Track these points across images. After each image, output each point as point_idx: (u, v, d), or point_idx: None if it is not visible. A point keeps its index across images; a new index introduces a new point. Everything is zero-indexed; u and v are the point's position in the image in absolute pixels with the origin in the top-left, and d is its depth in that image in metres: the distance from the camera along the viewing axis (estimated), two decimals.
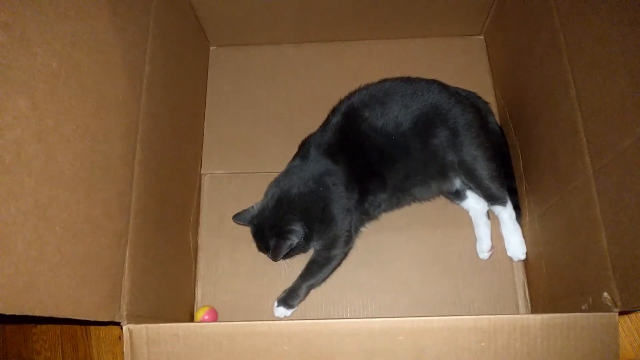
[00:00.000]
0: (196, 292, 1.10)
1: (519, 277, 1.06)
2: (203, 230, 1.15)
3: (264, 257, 1.05)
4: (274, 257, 0.98)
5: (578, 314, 0.68)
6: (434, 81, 1.03)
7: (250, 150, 1.21)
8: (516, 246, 1.03)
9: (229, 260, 1.12)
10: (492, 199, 1.02)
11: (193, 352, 0.70)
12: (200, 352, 0.70)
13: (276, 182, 1.02)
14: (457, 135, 0.96)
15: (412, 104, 0.97)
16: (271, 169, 1.09)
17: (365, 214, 1.03)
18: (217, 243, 1.13)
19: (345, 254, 1.04)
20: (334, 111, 1.04)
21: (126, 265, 0.78)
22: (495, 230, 1.07)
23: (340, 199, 0.97)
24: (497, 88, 1.21)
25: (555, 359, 0.68)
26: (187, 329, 0.71)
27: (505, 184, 1.02)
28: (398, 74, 1.04)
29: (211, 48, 1.32)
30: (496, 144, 1.05)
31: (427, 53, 1.27)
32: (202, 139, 1.23)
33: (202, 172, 1.20)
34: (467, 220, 1.10)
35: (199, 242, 1.14)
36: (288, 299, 1.01)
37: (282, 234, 0.95)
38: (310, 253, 1.05)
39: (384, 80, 1.03)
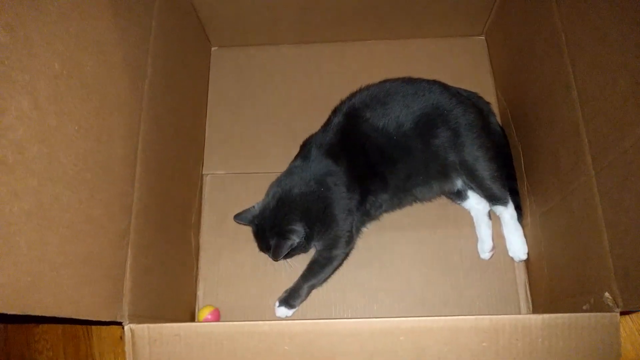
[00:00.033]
0: (197, 292, 1.10)
1: (520, 277, 1.06)
2: (204, 230, 1.15)
3: (265, 257, 1.05)
4: (275, 257, 0.98)
5: (579, 314, 0.68)
6: (435, 82, 1.03)
7: (251, 151, 1.22)
8: (517, 246, 1.03)
9: (230, 260, 1.12)
10: (493, 199, 1.02)
11: (194, 352, 0.70)
12: (201, 352, 0.70)
13: (277, 182, 1.02)
14: (458, 135, 0.97)
15: (413, 104, 0.98)
16: (272, 169, 1.09)
17: (366, 215, 1.03)
18: (218, 243, 1.14)
19: (347, 254, 1.04)
20: (335, 111, 1.04)
21: (128, 265, 0.78)
22: (497, 231, 1.07)
23: (342, 199, 0.98)
24: (499, 88, 1.21)
25: (557, 359, 0.68)
26: (188, 329, 0.71)
27: (506, 184, 1.02)
28: (399, 75, 1.05)
29: (213, 49, 1.33)
30: (497, 144, 1.05)
31: (428, 53, 1.27)
32: (204, 140, 1.23)
33: (203, 172, 1.20)
34: (468, 220, 1.10)
35: (201, 242, 1.14)
36: (289, 299, 1.01)
37: (283, 233, 0.96)
38: (311, 253, 1.05)
39: (385, 81, 1.03)
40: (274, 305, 1.03)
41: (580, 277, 0.82)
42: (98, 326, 1.15)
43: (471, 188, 1.05)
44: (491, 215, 1.08)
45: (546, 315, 0.68)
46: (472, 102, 1.04)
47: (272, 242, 0.96)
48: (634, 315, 1.03)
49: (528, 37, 1.00)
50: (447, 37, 1.28)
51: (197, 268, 1.12)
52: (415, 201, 1.07)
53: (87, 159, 0.69)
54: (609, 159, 0.72)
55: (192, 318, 1.07)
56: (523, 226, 1.04)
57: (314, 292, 1.05)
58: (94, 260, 0.70)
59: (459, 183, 1.04)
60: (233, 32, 1.27)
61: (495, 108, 1.16)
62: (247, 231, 1.04)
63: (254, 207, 1.02)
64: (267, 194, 1.02)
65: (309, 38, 1.29)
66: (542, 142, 0.95)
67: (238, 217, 1.03)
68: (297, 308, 1.03)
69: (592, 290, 0.76)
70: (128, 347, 0.71)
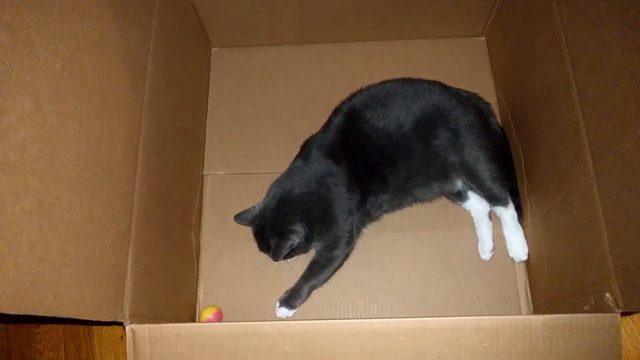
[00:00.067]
0: (198, 293, 1.10)
1: (521, 277, 1.06)
2: (205, 230, 1.15)
3: (265, 258, 1.05)
4: (275, 257, 0.98)
5: (580, 315, 0.68)
6: (435, 82, 1.03)
7: (252, 151, 1.22)
8: (518, 247, 1.03)
9: (230, 261, 1.12)
10: (493, 199, 1.02)
11: (195, 352, 0.70)
12: (202, 352, 0.70)
13: (278, 182, 1.02)
14: (458, 136, 0.97)
15: (413, 105, 0.98)
16: (273, 169, 1.09)
17: (366, 215, 1.03)
18: (219, 243, 1.14)
19: (347, 255, 1.04)
20: (335, 112, 1.04)
21: (129, 266, 0.79)
22: (497, 231, 1.07)
23: (342, 199, 0.98)
24: (499, 89, 1.21)
25: None
26: (189, 329, 0.71)
27: (506, 185, 1.02)
28: (399, 75, 1.05)
29: (213, 49, 1.33)
30: (498, 144, 1.05)
31: (428, 54, 1.27)
32: (204, 140, 1.23)
33: (204, 172, 1.20)
34: (468, 221, 1.11)
35: (201, 242, 1.14)
36: (290, 299, 1.01)
37: (283, 233, 0.96)
38: (312, 254, 1.05)
39: (386, 82, 1.03)
40: (275, 305, 1.03)
41: (580, 278, 0.82)
42: (99, 326, 1.15)
43: (471, 189, 1.05)
44: (491, 215, 1.08)
45: (547, 316, 0.68)
46: (472, 103, 1.04)
47: (273, 242, 0.97)
48: (634, 316, 1.03)
49: (528, 38, 1.00)
50: (447, 37, 1.28)
51: (198, 268, 1.12)
52: (415, 202, 1.07)
53: (88, 159, 0.69)
54: (609, 160, 0.72)
55: (192, 318, 1.07)
56: (523, 227, 1.04)
57: (315, 292, 1.05)
58: (94, 261, 0.70)
59: (459, 184, 1.04)
60: (233, 32, 1.27)
61: (495, 108, 1.17)
62: (248, 232, 1.04)
63: (254, 207, 1.02)
64: (267, 194, 1.02)
65: (309, 38, 1.29)
66: (542, 143, 0.95)
67: (238, 217, 1.03)
68: (297, 309, 1.03)
69: (593, 291, 0.76)
70: (129, 347, 0.71)
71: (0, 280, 0.53)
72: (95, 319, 0.70)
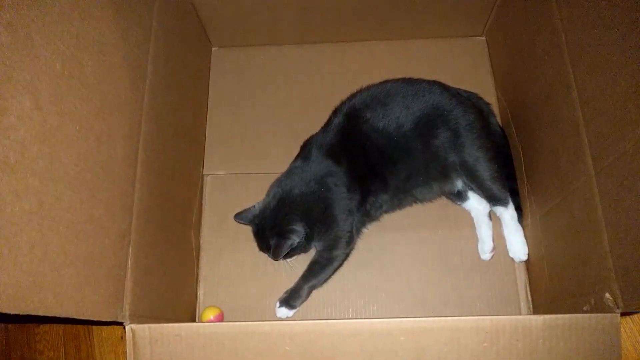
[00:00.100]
0: (198, 292, 1.10)
1: (521, 277, 1.06)
2: (205, 230, 1.15)
3: (265, 258, 1.05)
4: (275, 257, 0.98)
5: (580, 315, 0.68)
6: (435, 82, 1.03)
7: (252, 151, 1.22)
8: (518, 247, 1.03)
9: (231, 261, 1.12)
10: (493, 199, 1.02)
11: (195, 352, 0.70)
12: (202, 352, 0.70)
13: (278, 182, 1.02)
14: (458, 136, 0.97)
15: (413, 105, 0.98)
16: (273, 169, 1.09)
17: (366, 215, 1.03)
18: (219, 243, 1.14)
19: (347, 255, 1.04)
20: (335, 112, 1.04)
21: (129, 266, 0.79)
22: (497, 231, 1.07)
23: (342, 199, 0.98)
24: (499, 89, 1.21)
25: None
26: (189, 329, 0.71)
27: (506, 185, 1.02)
28: (399, 75, 1.05)
29: (213, 49, 1.33)
30: (498, 144, 1.05)
31: (428, 54, 1.27)
32: (204, 140, 1.23)
33: (204, 172, 1.20)
34: (468, 221, 1.11)
35: (201, 242, 1.14)
36: (290, 299, 1.02)
37: (283, 233, 0.96)
38: (312, 254, 1.05)
39: (386, 81, 1.03)
40: (275, 305, 1.03)
41: (580, 278, 0.82)
42: (99, 326, 1.15)
43: (471, 189, 1.05)
44: (491, 215, 1.08)
45: (547, 316, 0.68)
46: (472, 103, 1.04)
47: (272, 242, 0.97)
48: (634, 316, 1.03)
49: (528, 37, 1.00)
50: (447, 37, 1.28)
51: (198, 268, 1.12)
52: (415, 202, 1.07)
53: (88, 159, 0.69)
54: (609, 160, 0.72)
55: (192, 318, 1.07)
56: (523, 227, 1.04)
57: (315, 292, 1.05)
58: (95, 261, 0.70)
59: (459, 184, 1.04)
60: (233, 32, 1.27)
61: (495, 108, 1.17)
62: (248, 232, 1.04)
63: (254, 206, 1.02)
64: (267, 194, 1.02)
65: (310, 38, 1.29)
66: (542, 143, 0.95)
67: (238, 217, 1.03)
68: (297, 308, 1.03)
69: (593, 291, 0.76)
70: (129, 347, 0.71)
71: (1, 280, 0.53)
72: (95, 319, 0.70)
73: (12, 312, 0.55)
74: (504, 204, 1.02)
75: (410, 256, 1.10)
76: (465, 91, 1.09)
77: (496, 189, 0.99)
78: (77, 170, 0.67)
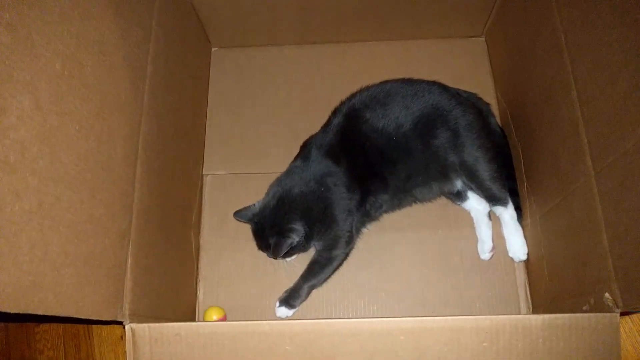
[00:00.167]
0: (198, 292, 1.10)
1: (521, 277, 1.06)
2: (205, 230, 1.15)
3: (265, 257, 1.05)
4: (274, 255, 0.98)
5: (579, 315, 0.68)
6: (434, 82, 1.03)
7: (251, 151, 1.22)
8: (517, 247, 1.03)
9: (230, 260, 1.12)
10: (493, 199, 1.02)
11: (195, 352, 0.70)
12: (202, 351, 0.70)
13: (278, 181, 1.02)
14: (458, 136, 0.97)
15: (413, 105, 0.98)
16: (273, 169, 1.09)
17: (366, 215, 1.03)
18: (218, 243, 1.14)
19: (347, 255, 1.04)
20: (335, 112, 1.04)
21: (128, 265, 0.79)
22: (497, 231, 1.07)
23: (342, 199, 0.98)
24: (498, 89, 1.21)
25: None
26: (189, 328, 0.71)
27: (506, 185, 1.02)
28: (399, 75, 1.05)
29: (213, 49, 1.33)
30: (497, 145, 1.05)
31: (428, 54, 1.27)
32: (204, 140, 1.23)
33: (203, 172, 1.20)
34: (468, 221, 1.11)
35: (201, 242, 1.14)
36: (290, 299, 1.02)
37: (282, 232, 0.96)
38: (311, 253, 1.05)
39: (385, 82, 1.03)
40: (275, 305, 1.03)
41: (580, 278, 0.82)
42: (99, 326, 1.15)
43: (471, 189, 1.05)
44: (491, 215, 1.08)
45: (546, 316, 0.68)
46: (471, 103, 1.04)
47: (272, 241, 0.97)
48: (634, 316, 1.03)
49: (528, 38, 1.00)
50: (447, 38, 1.28)
51: (198, 268, 1.12)
52: (415, 202, 1.07)
53: (88, 159, 0.69)
54: (609, 160, 0.72)
55: (192, 318, 1.07)
56: (523, 227, 1.04)
57: (314, 292, 1.05)
58: (95, 260, 0.70)
59: (458, 184, 1.04)
60: (233, 32, 1.27)
61: (495, 109, 1.17)
62: (248, 231, 1.04)
63: (254, 205, 1.02)
64: (267, 194, 1.02)
65: (310, 39, 1.29)
66: (542, 143, 0.95)
67: (238, 214, 1.03)
68: (297, 308, 1.03)
69: (592, 291, 0.76)
70: (129, 347, 0.71)
71: (1, 279, 0.53)
72: (95, 319, 0.70)
73: (12, 311, 0.55)
74: (503, 204, 1.02)
75: (410, 256, 1.10)
76: (465, 91, 1.09)
77: (496, 189, 0.99)
78: (77, 170, 0.67)
